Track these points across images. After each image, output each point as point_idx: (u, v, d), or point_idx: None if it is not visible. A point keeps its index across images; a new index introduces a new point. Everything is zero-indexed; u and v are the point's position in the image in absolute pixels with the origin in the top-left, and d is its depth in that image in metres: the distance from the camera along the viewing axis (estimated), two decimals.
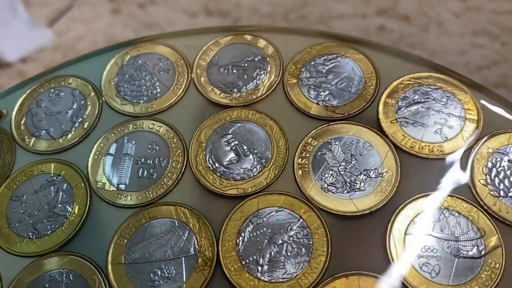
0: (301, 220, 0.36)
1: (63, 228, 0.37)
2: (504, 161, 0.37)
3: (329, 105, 0.40)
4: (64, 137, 0.41)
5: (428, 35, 0.67)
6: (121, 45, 0.46)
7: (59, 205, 0.38)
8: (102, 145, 0.40)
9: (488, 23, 0.70)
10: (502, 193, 0.36)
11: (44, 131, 0.42)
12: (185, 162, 0.39)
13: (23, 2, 0.84)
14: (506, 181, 0.36)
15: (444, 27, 0.70)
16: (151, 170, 0.39)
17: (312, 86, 0.41)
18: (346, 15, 0.76)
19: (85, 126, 0.41)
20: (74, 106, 0.42)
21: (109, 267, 0.35)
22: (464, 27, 0.69)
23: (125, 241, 0.36)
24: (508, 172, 0.36)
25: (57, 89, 0.44)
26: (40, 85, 0.44)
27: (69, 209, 0.38)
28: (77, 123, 0.42)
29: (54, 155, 0.40)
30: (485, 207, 0.35)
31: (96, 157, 0.40)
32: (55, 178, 0.39)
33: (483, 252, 0.33)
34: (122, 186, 0.38)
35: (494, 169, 0.37)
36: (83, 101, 0.43)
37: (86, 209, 0.37)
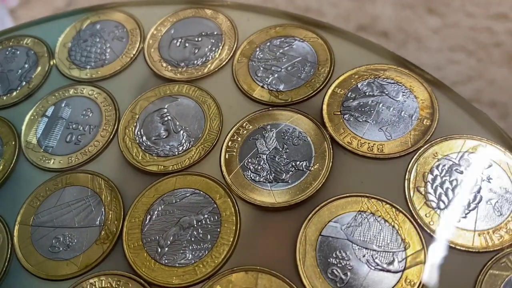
0: (215, 205, 0.33)
1: None
2: (451, 170, 0.32)
3: (274, 89, 0.37)
4: (8, 94, 0.41)
5: (406, 50, 0.68)
6: (85, 10, 0.45)
7: None
8: (41, 106, 0.40)
9: (464, 39, 0.70)
10: (441, 204, 0.31)
11: None
12: (113, 132, 0.37)
13: (13, 18, 0.87)
14: (449, 192, 0.32)
15: (421, 42, 0.70)
16: (79, 137, 0.38)
17: (261, 68, 0.39)
18: None
19: (30, 86, 0.41)
20: (26, 66, 0.42)
21: (16, 227, 0.34)
22: (441, 43, 0.70)
23: (38, 203, 0.35)
24: (453, 183, 0.32)
25: (15, 47, 0.44)
26: None
27: None
28: (24, 82, 0.41)
29: None
30: (416, 217, 0.31)
31: (32, 117, 0.39)
32: None
33: (402, 267, 0.30)
34: (49, 149, 0.37)
35: (438, 178, 0.32)
36: (35, 62, 0.42)
37: (10, 168, 0.37)
